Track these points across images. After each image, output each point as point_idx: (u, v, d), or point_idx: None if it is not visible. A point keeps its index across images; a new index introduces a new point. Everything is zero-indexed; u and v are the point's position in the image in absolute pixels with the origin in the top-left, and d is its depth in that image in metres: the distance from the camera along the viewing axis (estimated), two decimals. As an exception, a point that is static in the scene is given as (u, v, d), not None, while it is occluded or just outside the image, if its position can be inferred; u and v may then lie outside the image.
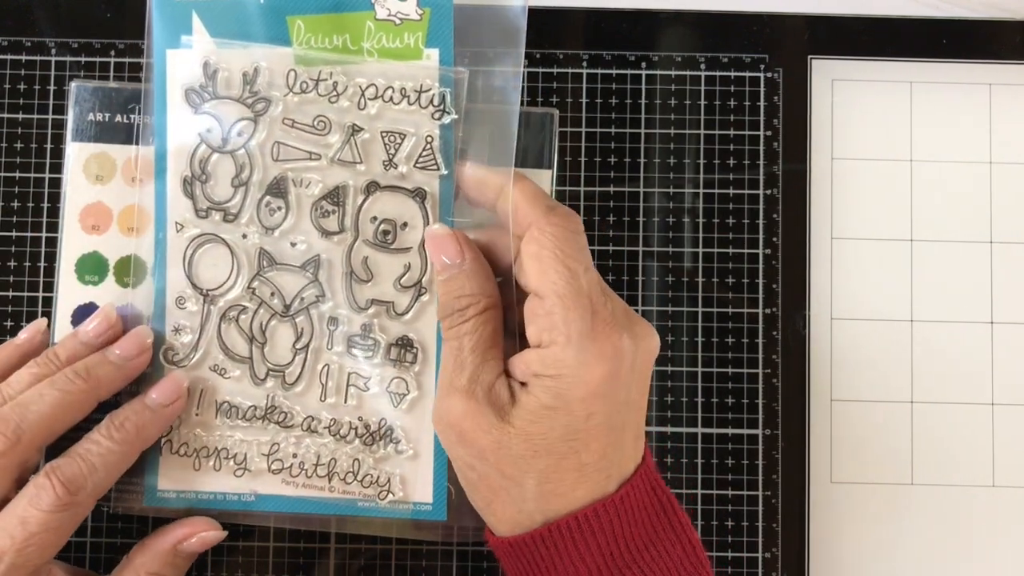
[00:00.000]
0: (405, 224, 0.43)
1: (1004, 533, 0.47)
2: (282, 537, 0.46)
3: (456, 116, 0.42)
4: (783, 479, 0.47)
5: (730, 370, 0.47)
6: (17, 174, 0.47)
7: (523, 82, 0.46)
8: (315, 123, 0.43)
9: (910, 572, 0.47)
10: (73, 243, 0.45)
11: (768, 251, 0.48)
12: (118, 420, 0.41)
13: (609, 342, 0.37)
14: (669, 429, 0.47)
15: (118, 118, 0.45)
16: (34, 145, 0.47)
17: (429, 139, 0.43)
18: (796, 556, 0.47)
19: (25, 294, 0.46)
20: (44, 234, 0.47)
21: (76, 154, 0.45)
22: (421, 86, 0.42)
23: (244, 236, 0.43)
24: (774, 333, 0.48)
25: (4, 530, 0.38)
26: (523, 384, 0.38)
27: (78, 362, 0.41)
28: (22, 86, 0.47)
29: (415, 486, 0.43)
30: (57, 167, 0.47)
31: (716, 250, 0.48)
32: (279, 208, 0.43)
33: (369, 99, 0.43)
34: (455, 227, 0.42)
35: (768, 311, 0.48)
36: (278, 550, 0.46)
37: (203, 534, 0.43)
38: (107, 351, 0.42)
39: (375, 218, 0.43)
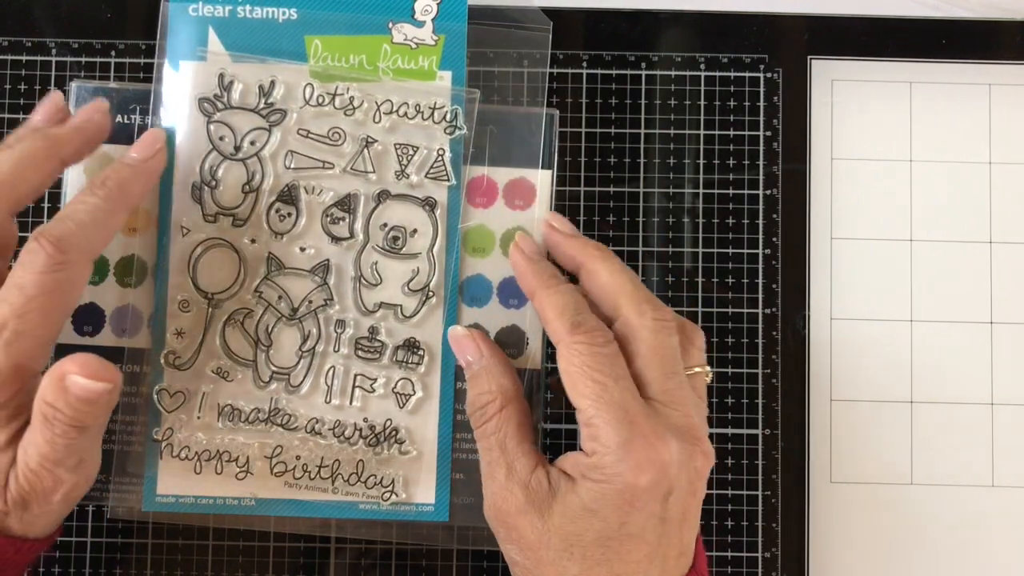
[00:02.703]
0: (415, 231, 0.44)
1: (1004, 533, 0.47)
2: (283, 537, 0.46)
3: (466, 132, 0.44)
4: (783, 479, 0.47)
5: (730, 370, 0.47)
6: (17, 174, 0.47)
7: (543, 83, 0.46)
8: (330, 134, 0.44)
9: (910, 572, 0.47)
10: (73, 243, 0.45)
11: (768, 251, 0.48)
12: (100, 179, 0.40)
13: (647, 452, 0.37)
14: (669, 429, 0.47)
15: (119, 118, 0.45)
16: (34, 145, 0.47)
17: (440, 151, 0.44)
18: (796, 556, 0.47)
19: (25, 294, 0.46)
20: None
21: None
22: (435, 103, 0.44)
23: (252, 241, 0.43)
24: (774, 333, 0.48)
25: (3, 299, 0.37)
26: (571, 478, 0.38)
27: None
28: (22, 86, 0.47)
29: (418, 487, 0.44)
30: (57, 167, 0.47)
31: (716, 250, 0.48)
32: (289, 214, 0.43)
33: (384, 114, 0.44)
34: (462, 231, 0.44)
35: (768, 311, 0.48)
36: (278, 550, 0.46)
37: (75, 378, 0.36)
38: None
39: (385, 225, 0.44)
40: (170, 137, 0.43)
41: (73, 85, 0.45)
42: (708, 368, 0.41)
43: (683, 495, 0.38)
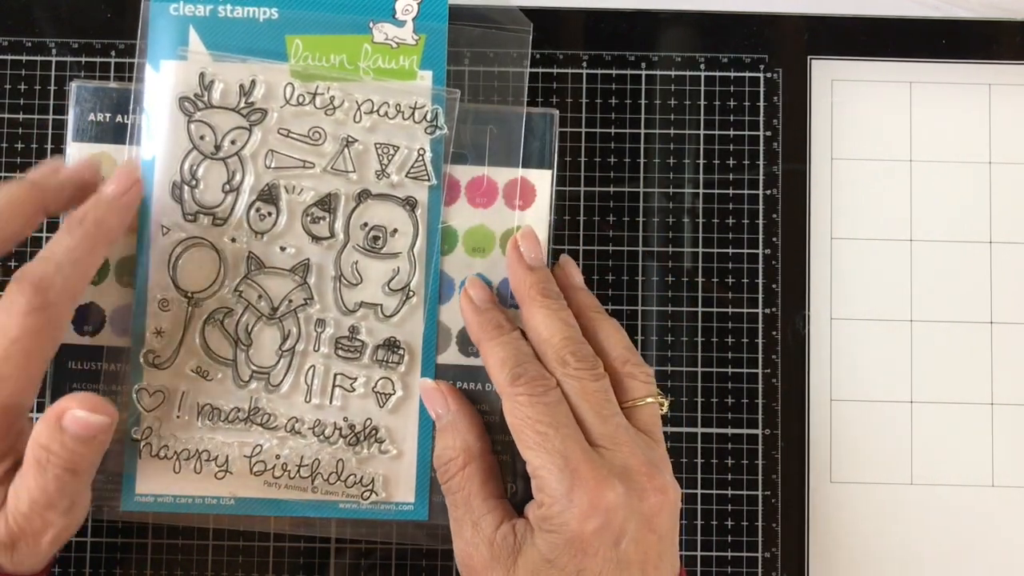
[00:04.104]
0: (395, 231, 0.44)
1: (1004, 533, 0.47)
2: (283, 537, 0.46)
3: (447, 132, 0.44)
4: (783, 479, 0.47)
5: (730, 370, 0.47)
6: (17, 174, 0.47)
7: (526, 82, 0.46)
8: (310, 133, 0.44)
9: (910, 572, 0.47)
10: (73, 243, 0.45)
11: (768, 251, 0.48)
12: (77, 217, 0.40)
13: (590, 499, 0.37)
14: (669, 429, 0.47)
15: (119, 119, 0.45)
16: (34, 145, 0.47)
17: (421, 151, 0.44)
18: (796, 556, 0.47)
19: (25, 294, 0.46)
20: (44, 234, 0.47)
21: (77, 154, 0.45)
22: (415, 103, 0.44)
23: (233, 240, 0.43)
24: (774, 333, 0.48)
25: None
26: (532, 529, 0.39)
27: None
28: (22, 86, 0.47)
29: (398, 486, 0.44)
30: (57, 167, 0.47)
31: (716, 250, 0.48)
32: (269, 214, 0.43)
33: (365, 113, 0.44)
34: (441, 233, 0.44)
35: (768, 311, 0.48)
36: (278, 550, 0.46)
37: (76, 412, 0.37)
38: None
39: (366, 224, 0.44)
40: (146, 168, 0.43)
41: (73, 85, 0.45)
42: (662, 398, 0.42)
43: (639, 536, 0.38)
